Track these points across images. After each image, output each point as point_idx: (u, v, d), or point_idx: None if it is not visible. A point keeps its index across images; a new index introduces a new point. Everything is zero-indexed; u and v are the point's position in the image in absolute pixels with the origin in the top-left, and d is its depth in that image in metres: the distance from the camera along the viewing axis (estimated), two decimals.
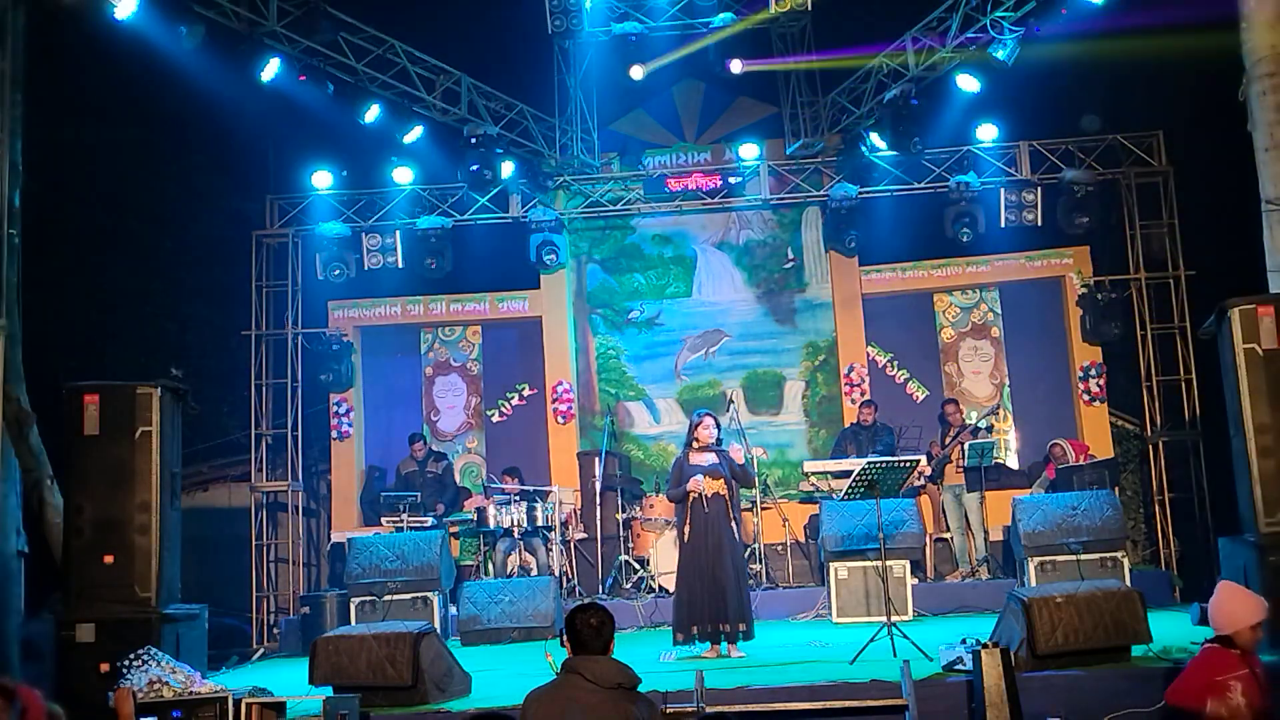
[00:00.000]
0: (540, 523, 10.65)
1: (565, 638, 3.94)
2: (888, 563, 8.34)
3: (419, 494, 11.20)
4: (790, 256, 12.98)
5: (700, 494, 7.52)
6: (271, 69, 10.25)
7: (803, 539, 11.37)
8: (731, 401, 11.60)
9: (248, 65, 10.16)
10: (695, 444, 7.69)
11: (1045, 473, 11.21)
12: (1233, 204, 9.25)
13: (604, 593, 10.77)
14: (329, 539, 12.68)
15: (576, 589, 11.00)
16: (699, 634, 7.43)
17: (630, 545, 11.05)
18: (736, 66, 11.84)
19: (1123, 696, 5.76)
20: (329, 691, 6.20)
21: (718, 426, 7.78)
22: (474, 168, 11.57)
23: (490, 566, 10.96)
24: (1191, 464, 11.69)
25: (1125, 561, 9.20)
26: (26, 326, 8.60)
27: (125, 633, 6.83)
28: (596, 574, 11.06)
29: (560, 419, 12.74)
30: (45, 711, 3.72)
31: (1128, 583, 7.93)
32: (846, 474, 9.43)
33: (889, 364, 12.80)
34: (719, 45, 11.70)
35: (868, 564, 9.15)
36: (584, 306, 13.10)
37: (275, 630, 11.58)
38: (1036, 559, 9.19)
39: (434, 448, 12.19)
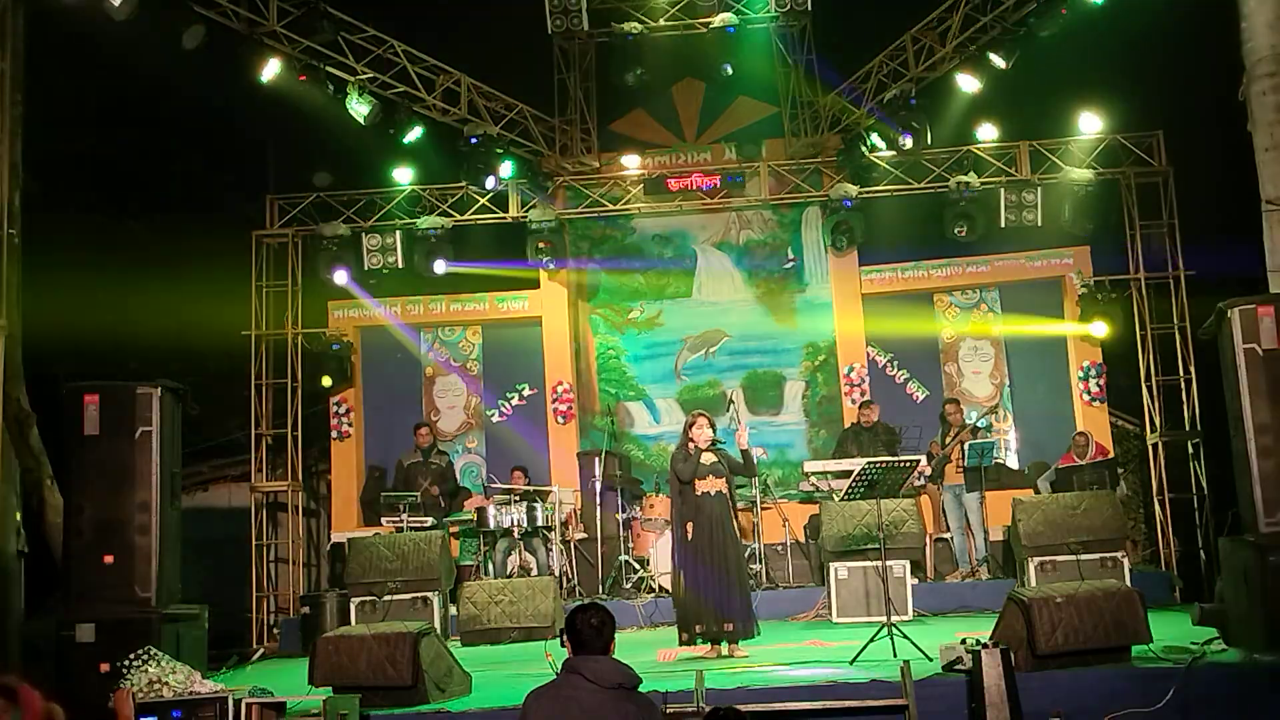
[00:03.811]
0: (540, 523, 10.65)
1: (565, 638, 3.94)
2: (888, 563, 8.33)
3: (419, 484, 11.14)
4: (790, 256, 12.99)
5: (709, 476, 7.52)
6: (271, 69, 10.25)
7: (803, 539, 11.37)
8: (732, 401, 11.58)
9: (248, 65, 10.17)
10: (690, 444, 7.67)
11: (1060, 460, 11.18)
12: (1233, 204, 9.25)
13: (604, 593, 10.77)
14: (329, 539, 12.68)
15: (576, 589, 11.00)
16: (703, 633, 7.43)
17: (630, 545, 11.04)
18: (729, 71, 11.82)
19: (1123, 696, 5.75)
20: (329, 691, 6.20)
21: (712, 426, 7.77)
22: (475, 168, 11.58)
23: (490, 566, 10.95)
24: (1191, 464, 11.69)
25: (1125, 561, 9.20)
26: (26, 326, 8.61)
27: (125, 633, 6.82)
28: (596, 574, 11.05)
29: (560, 419, 12.74)
30: (44, 711, 3.72)
31: (1128, 583, 7.92)
32: (846, 474, 9.43)
33: (889, 364, 12.80)
34: (718, 46, 11.70)
35: (868, 564, 9.14)
36: (584, 306, 13.10)
37: (275, 630, 11.58)
38: (1036, 559, 9.19)
39: (437, 443, 12.15)
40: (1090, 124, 11.93)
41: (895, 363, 12.80)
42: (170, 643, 6.98)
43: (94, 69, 11.41)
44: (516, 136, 12.35)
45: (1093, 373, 12.18)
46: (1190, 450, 11.73)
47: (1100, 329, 11.80)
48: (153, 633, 6.91)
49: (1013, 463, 12.24)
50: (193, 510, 11.02)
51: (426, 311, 13.12)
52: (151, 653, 6.28)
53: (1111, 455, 11.52)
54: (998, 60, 10.66)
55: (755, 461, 8.14)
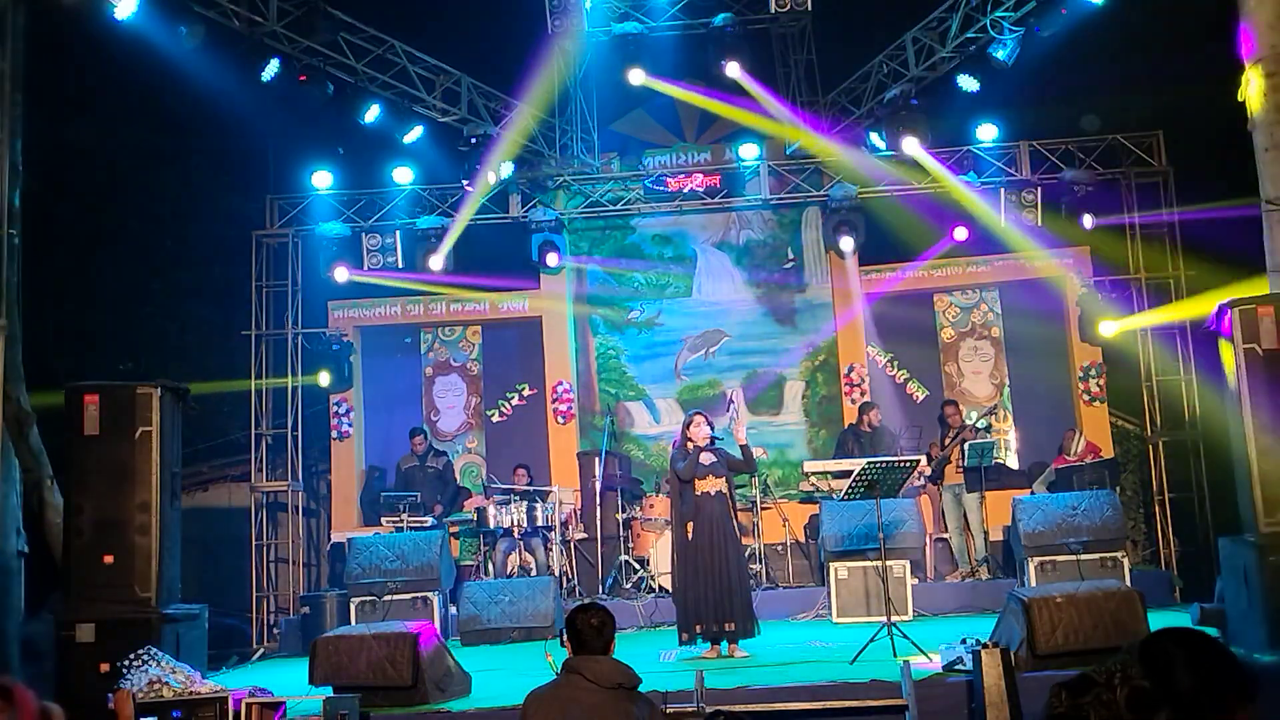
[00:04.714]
0: (540, 523, 10.65)
1: (565, 637, 3.94)
2: (888, 563, 8.34)
3: (419, 491, 11.19)
4: (790, 256, 12.98)
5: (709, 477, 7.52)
6: (271, 69, 10.25)
7: (803, 539, 11.37)
8: (732, 401, 11.60)
9: (248, 65, 10.17)
10: (689, 444, 7.67)
11: (1053, 463, 11.19)
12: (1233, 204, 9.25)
13: (604, 593, 10.77)
14: (329, 539, 12.68)
15: (576, 589, 11.00)
16: (704, 633, 7.44)
17: (630, 545, 11.04)
18: (732, 70, 11.81)
19: None
20: (329, 691, 6.20)
21: (710, 425, 7.78)
22: (476, 167, 11.58)
23: (490, 566, 10.95)
24: (1191, 464, 11.69)
25: (1125, 561, 9.20)
26: (26, 326, 8.60)
27: (125, 633, 6.83)
28: (596, 574, 11.05)
29: (560, 419, 12.74)
30: (39, 711, 3.71)
31: (1128, 583, 7.93)
32: (846, 474, 9.43)
33: (889, 364, 12.79)
34: (718, 46, 11.69)
35: (868, 564, 9.15)
36: (584, 306, 13.10)
37: (275, 630, 11.58)
38: (1036, 559, 9.19)
39: (434, 445, 12.19)
40: (1090, 124, 11.93)
41: (895, 363, 12.80)
42: (170, 643, 6.99)
43: (94, 69, 11.40)
44: (517, 136, 12.34)
45: (1093, 373, 12.18)
46: (1190, 450, 11.73)
47: (1110, 328, 11.79)
48: (153, 633, 6.92)
49: (1013, 463, 12.24)
50: (193, 510, 11.03)
51: (426, 312, 13.12)
52: (151, 653, 6.28)
53: (1104, 454, 11.52)
54: (998, 60, 10.66)
55: (754, 457, 8.15)
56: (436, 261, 12.24)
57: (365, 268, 12.48)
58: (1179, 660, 1.92)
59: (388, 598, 9.45)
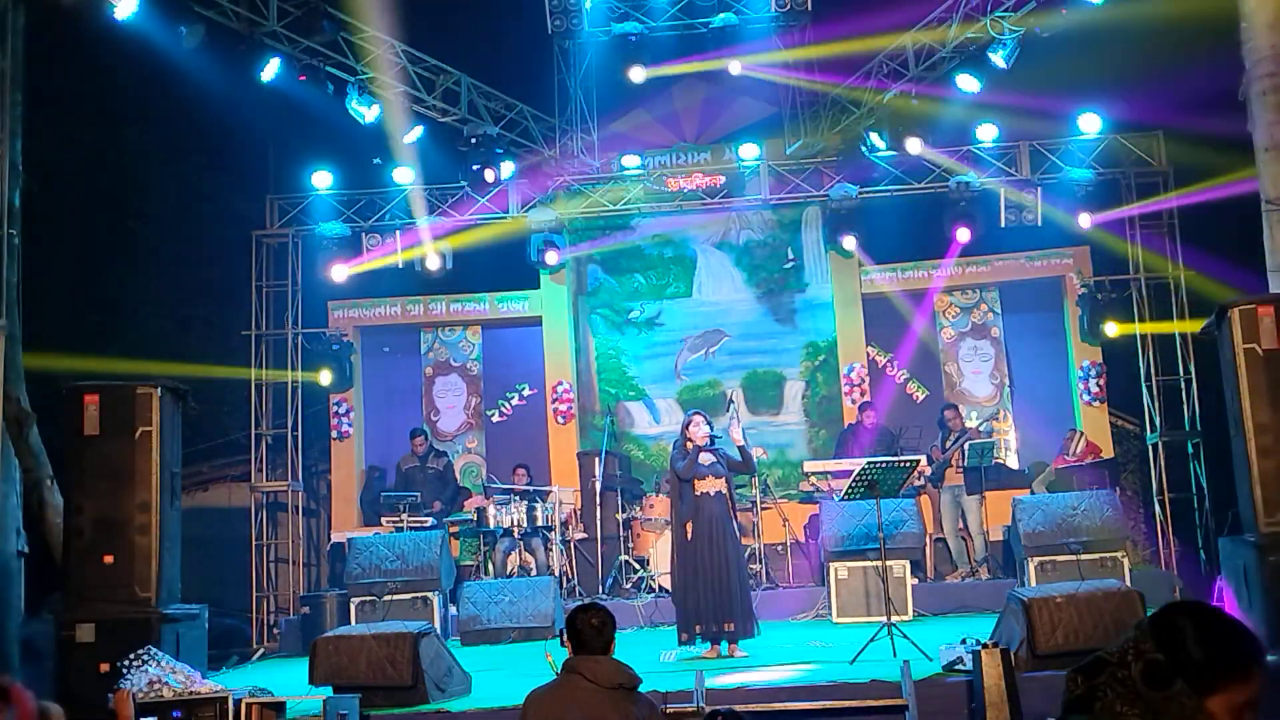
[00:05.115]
0: (540, 523, 10.65)
1: (566, 637, 3.94)
2: (888, 563, 8.33)
3: (419, 491, 11.20)
4: (790, 256, 12.97)
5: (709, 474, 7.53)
6: (271, 69, 10.26)
7: (803, 539, 11.37)
8: (731, 401, 11.60)
9: (248, 65, 10.18)
10: (689, 444, 7.67)
11: (1053, 463, 11.20)
12: (1233, 204, 9.25)
13: (604, 593, 10.77)
14: (329, 539, 12.68)
15: (576, 589, 11.00)
16: (703, 633, 7.44)
17: (630, 545, 11.05)
18: (735, 68, 11.82)
19: None
20: (329, 691, 6.20)
21: (709, 424, 7.78)
22: (475, 167, 11.57)
23: (490, 566, 10.96)
24: (1191, 464, 11.69)
25: (1125, 561, 9.20)
26: (26, 326, 8.61)
27: (125, 633, 6.83)
28: (596, 574, 11.05)
29: (560, 419, 12.73)
30: (37, 710, 3.72)
31: (1128, 583, 7.93)
32: (846, 474, 9.44)
33: (889, 364, 12.79)
34: (719, 45, 11.69)
35: (868, 564, 9.15)
36: (584, 306, 13.09)
37: (275, 630, 11.58)
38: (1036, 559, 9.19)
39: (434, 445, 12.19)
40: (1090, 124, 11.93)
41: (895, 363, 12.79)
42: (170, 643, 6.99)
43: (94, 69, 11.41)
44: (516, 136, 12.35)
45: (1093, 373, 12.18)
46: (1190, 450, 11.73)
47: (1111, 329, 11.78)
48: (153, 633, 6.92)
49: (1013, 463, 12.22)
50: (193, 510, 11.03)
51: (426, 312, 13.12)
52: (151, 653, 6.28)
53: (1103, 454, 11.52)
54: (998, 60, 10.67)
55: (753, 458, 8.16)
56: (433, 261, 12.24)
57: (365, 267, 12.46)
58: (1189, 631, 1.97)
59: (388, 598, 9.44)
